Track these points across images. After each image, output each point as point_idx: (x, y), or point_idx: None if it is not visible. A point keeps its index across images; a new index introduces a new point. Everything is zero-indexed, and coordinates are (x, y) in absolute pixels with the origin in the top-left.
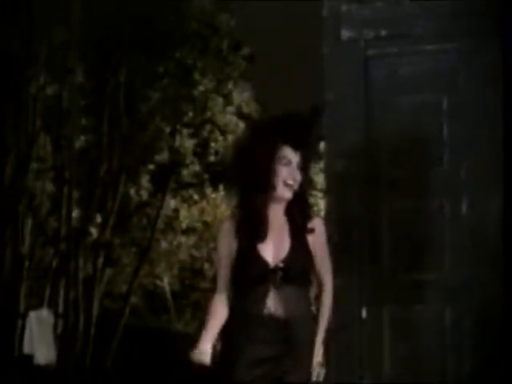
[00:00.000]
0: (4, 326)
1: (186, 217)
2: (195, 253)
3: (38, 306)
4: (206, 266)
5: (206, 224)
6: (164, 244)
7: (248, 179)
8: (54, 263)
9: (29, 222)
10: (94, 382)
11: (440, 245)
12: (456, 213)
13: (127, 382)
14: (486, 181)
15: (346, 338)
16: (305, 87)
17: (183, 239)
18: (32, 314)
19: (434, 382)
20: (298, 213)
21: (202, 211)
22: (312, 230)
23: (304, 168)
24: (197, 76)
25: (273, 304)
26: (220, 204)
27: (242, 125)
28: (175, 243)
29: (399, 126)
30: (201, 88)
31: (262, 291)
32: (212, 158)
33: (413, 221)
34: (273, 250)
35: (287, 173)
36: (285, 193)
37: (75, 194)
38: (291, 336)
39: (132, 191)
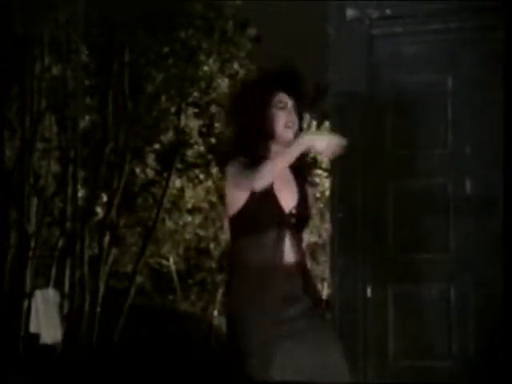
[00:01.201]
0: (10, 305)
1: (191, 196)
2: (201, 232)
3: (43, 285)
4: (212, 245)
5: (211, 203)
6: (169, 223)
7: (249, 127)
8: (60, 243)
9: (34, 202)
10: (99, 361)
11: (444, 224)
12: (460, 192)
13: (133, 362)
14: (490, 161)
15: (351, 316)
16: (310, 66)
17: (189, 219)
18: (38, 294)
19: (439, 360)
20: (300, 163)
21: (208, 191)
22: (314, 184)
23: (298, 111)
24: (202, 56)
25: (289, 251)
26: (226, 184)
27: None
28: (181, 223)
29: (403, 105)
30: (206, 68)
31: (277, 238)
32: (216, 139)
33: (417, 200)
34: (285, 195)
35: (285, 115)
36: (286, 134)
37: (80, 174)
38: (308, 284)
39: (138, 171)
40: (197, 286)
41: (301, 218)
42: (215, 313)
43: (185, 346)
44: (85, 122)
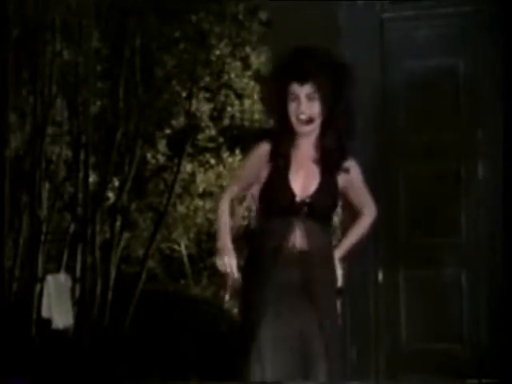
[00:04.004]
0: (22, 289)
1: (202, 181)
2: (212, 216)
3: (55, 270)
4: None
5: (222, 188)
6: (181, 208)
7: (270, 117)
8: (72, 228)
9: (46, 187)
10: (111, 346)
11: (456, 209)
12: (472, 177)
13: (144, 347)
14: (503, 145)
15: (363, 301)
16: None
17: (200, 203)
18: (50, 278)
19: (451, 344)
20: (331, 149)
21: (219, 175)
22: (346, 170)
23: (321, 98)
24: (213, 40)
25: (297, 238)
26: (236, 168)
27: (259, 88)
28: (192, 207)
29: (415, 89)
30: (217, 52)
31: (286, 224)
32: (228, 122)
33: (429, 185)
34: (302, 183)
35: (294, 107)
36: (298, 127)
37: (92, 159)
38: (313, 268)
39: (149, 155)
40: (208, 270)
41: (317, 207)
42: (226, 297)
43: (196, 330)
44: (96, 106)
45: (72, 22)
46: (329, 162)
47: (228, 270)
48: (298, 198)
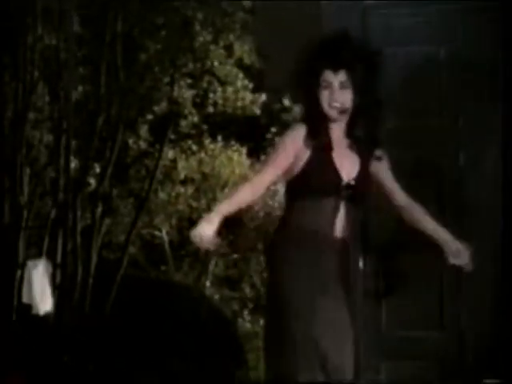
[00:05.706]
0: (3, 275)
1: (184, 167)
2: (193, 203)
3: (36, 255)
4: (205, 216)
5: (204, 175)
6: (162, 194)
7: (302, 103)
8: (53, 213)
9: (27, 173)
10: (91, 331)
11: (437, 196)
12: (453, 165)
13: (125, 333)
14: (484, 134)
15: None
16: (303, 37)
17: (181, 190)
18: (30, 264)
19: (431, 331)
20: (363, 137)
21: (201, 162)
22: (379, 158)
23: (354, 86)
24: (196, 27)
25: (340, 222)
26: (218, 155)
27: (241, 75)
28: (173, 194)
29: (396, 76)
30: (200, 39)
31: (332, 206)
32: (211, 109)
33: (410, 172)
34: (346, 166)
35: (327, 96)
36: (331, 113)
37: (73, 145)
38: (349, 254)
39: (130, 141)
40: (189, 257)
41: (359, 192)
42: (207, 283)
43: (176, 315)
44: (77, 92)
45: (53, 6)
46: (363, 150)
47: (198, 240)
48: (343, 181)
